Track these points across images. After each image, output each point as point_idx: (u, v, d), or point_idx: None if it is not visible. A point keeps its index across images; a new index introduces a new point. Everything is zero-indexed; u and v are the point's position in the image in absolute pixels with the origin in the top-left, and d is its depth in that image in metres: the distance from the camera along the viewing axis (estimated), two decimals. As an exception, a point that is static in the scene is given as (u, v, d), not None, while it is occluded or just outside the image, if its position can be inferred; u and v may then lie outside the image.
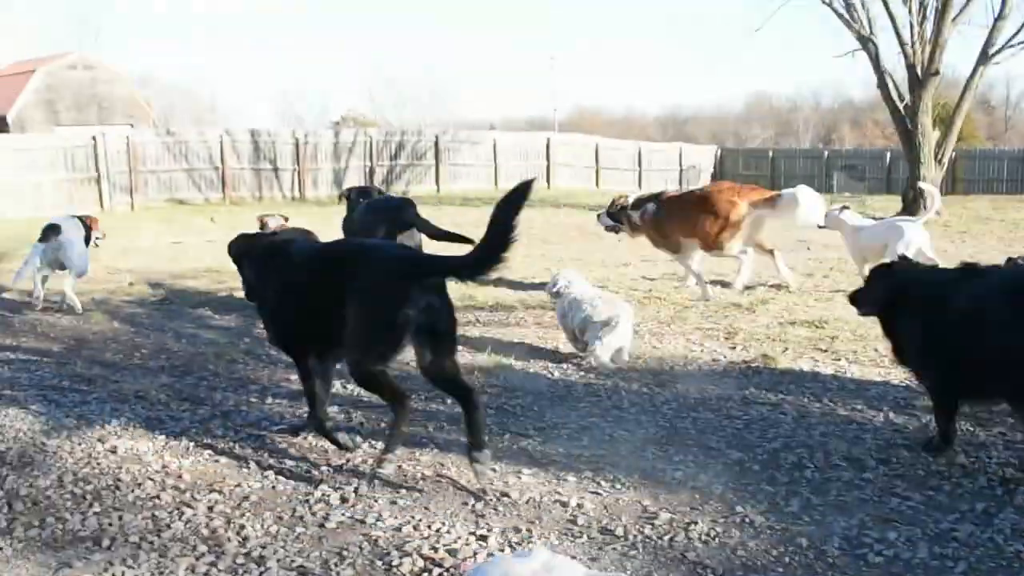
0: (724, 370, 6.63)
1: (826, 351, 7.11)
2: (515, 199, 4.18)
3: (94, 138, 25.06)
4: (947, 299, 4.61)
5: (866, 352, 7.02)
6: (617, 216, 10.32)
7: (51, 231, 8.97)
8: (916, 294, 4.83)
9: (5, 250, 14.90)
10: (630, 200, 10.29)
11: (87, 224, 9.62)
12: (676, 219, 9.62)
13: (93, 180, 24.70)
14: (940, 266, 6.87)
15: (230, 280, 10.69)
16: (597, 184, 35.62)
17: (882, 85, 21.82)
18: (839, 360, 6.83)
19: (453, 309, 4.55)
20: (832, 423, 5.34)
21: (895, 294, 4.96)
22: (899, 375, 6.33)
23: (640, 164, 38.37)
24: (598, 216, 10.84)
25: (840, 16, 21.58)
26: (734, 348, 7.26)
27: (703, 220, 9.33)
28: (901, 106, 21.53)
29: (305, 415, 5.22)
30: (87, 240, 9.52)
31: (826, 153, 39.70)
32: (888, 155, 35.22)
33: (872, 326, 7.73)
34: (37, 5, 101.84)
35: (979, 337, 4.42)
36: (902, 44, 21.31)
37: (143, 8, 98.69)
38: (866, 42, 21.55)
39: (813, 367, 6.62)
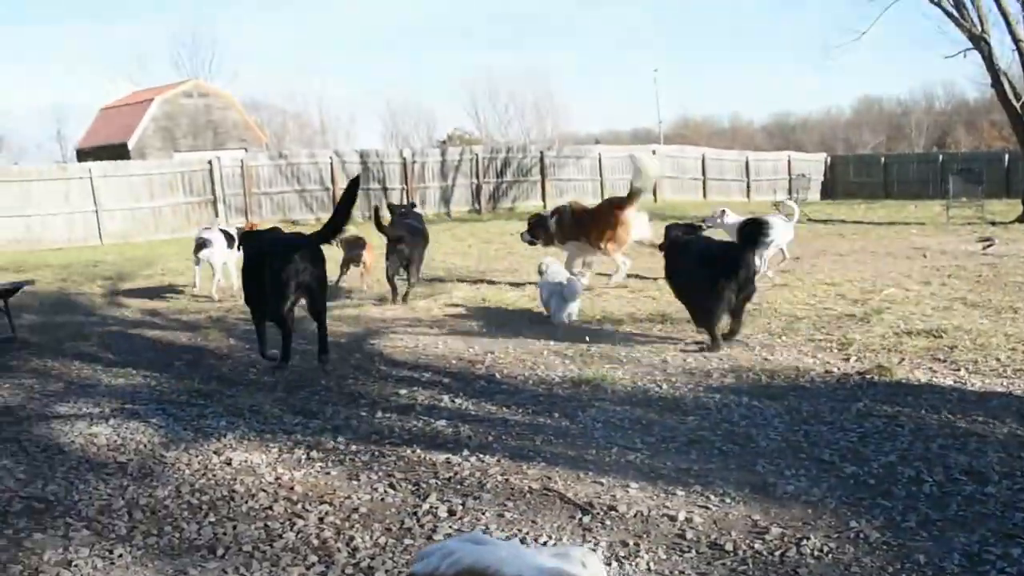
0: (838, 382, 6.45)
1: (944, 361, 6.86)
2: (350, 193, 7.32)
3: (210, 162, 26.04)
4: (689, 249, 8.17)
5: (987, 362, 6.75)
6: (535, 233, 12.16)
7: (200, 244, 11.66)
8: (679, 245, 8.41)
9: (129, 271, 15.56)
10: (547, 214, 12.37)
11: (231, 235, 11.85)
12: (569, 231, 11.78)
13: (209, 203, 25.64)
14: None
15: (342, 296, 10.93)
16: (704, 195, 35.19)
17: (997, 84, 21.06)
18: (959, 370, 6.58)
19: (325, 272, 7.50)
20: (951, 436, 5.13)
21: (673, 247, 8.50)
22: (1024, 385, 6.08)
23: (748, 174, 37.75)
24: (521, 235, 12.61)
25: (950, 15, 20.93)
26: (848, 359, 7.06)
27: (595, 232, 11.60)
28: (1018, 105, 20.73)
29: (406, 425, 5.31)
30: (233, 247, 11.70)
31: (941, 157, 38.25)
32: (1007, 157, 33.80)
33: (993, 335, 7.52)
34: (156, 36, 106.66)
35: (699, 271, 7.69)
36: (1016, 41, 20.53)
37: (252, 35, 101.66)
38: (978, 41, 20.82)
39: (931, 378, 6.39)
